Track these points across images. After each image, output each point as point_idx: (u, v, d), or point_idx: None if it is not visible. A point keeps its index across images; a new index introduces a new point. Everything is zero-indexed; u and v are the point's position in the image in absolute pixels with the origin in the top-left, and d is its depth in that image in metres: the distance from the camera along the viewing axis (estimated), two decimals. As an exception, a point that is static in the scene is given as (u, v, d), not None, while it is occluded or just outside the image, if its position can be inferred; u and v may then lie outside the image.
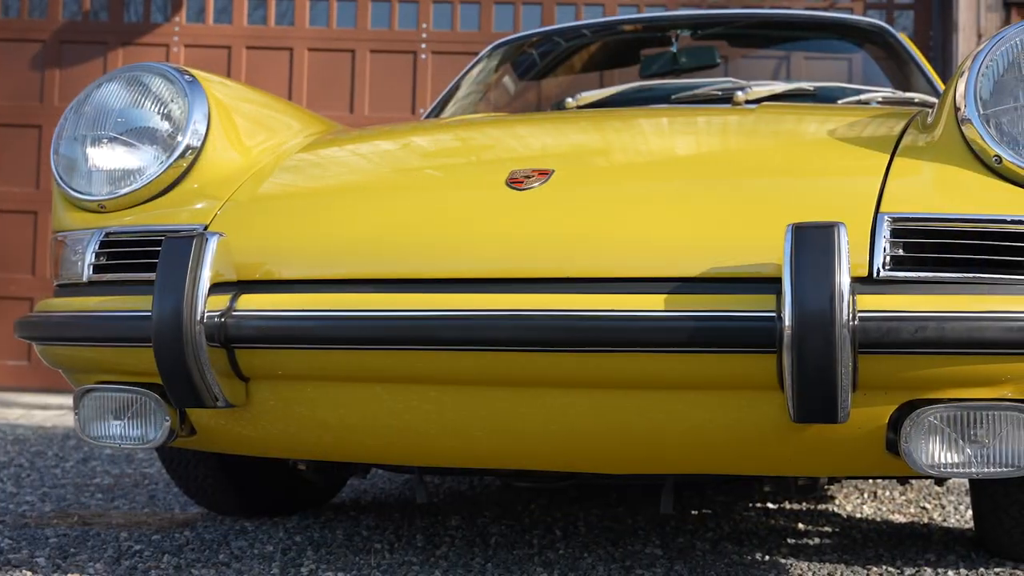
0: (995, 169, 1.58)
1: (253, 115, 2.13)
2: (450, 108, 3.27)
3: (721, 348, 1.51)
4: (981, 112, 1.61)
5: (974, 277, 1.50)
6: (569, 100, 2.81)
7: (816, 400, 1.46)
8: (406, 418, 1.71)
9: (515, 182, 1.74)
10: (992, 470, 1.52)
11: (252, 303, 1.67)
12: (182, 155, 1.90)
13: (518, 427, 1.67)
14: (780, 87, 2.74)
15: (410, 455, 1.87)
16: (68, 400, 5.13)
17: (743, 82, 2.72)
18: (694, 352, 1.52)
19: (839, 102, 2.65)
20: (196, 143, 1.92)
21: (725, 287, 1.54)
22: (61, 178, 1.95)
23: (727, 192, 1.71)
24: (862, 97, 2.66)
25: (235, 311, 1.66)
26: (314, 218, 1.81)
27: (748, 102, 2.58)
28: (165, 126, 1.92)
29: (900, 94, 2.72)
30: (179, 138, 1.91)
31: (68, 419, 4.77)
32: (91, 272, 1.86)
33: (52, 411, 5.16)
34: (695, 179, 1.78)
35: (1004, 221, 1.53)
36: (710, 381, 1.57)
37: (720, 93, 2.68)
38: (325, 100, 6.11)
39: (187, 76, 1.97)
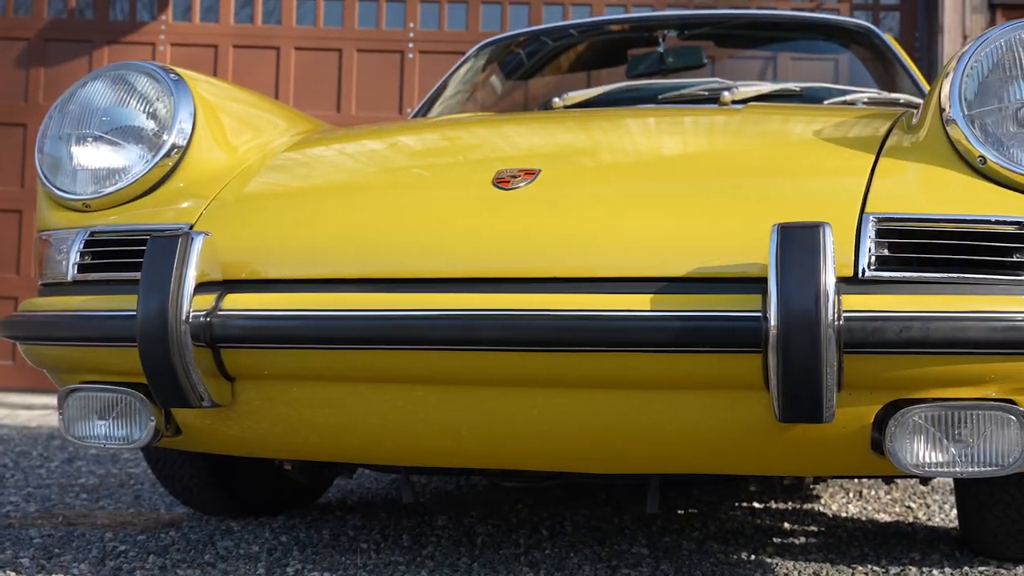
0: (979, 170, 1.59)
1: (239, 114, 2.12)
2: (437, 107, 3.27)
3: (707, 348, 1.51)
4: (966, 113, 1.61)
5: (958, 277, 1.50)
6: (556, 100, 2.82)
7: (801, 400, 1.45)
8: (392, 418, 1.71)
9: (502, 182, 1.74)
10: (976, 469, 1.53)
11: (238, 303, 1.66)
12: (167, 154, 1.89)
13: (505, 427, 1.67)
14: (766, 87, 2.74)
15: (397, 455, 1.87)
16: (53, 400, 5.10)
17: (730, 82, 2.72)
18: (680, 352, 1.52)
19: (825, 102, 2.65)
20: (182, 142, 1.91)
21: (711, 287, 1.54)
22: (46, 177, 1.93)
23: (713, 192, 1.71)
24: (848, 98, 2.67)
25: (221, 311, 1.65)
26: (300, 217, 1.80)
27: (735, 102, 2.58)
28: (151, 125, 1.92)
29: (886, 95, 2.73)
30: (165, 137, 1.90)
31: (53, 419, 4.75)
32: (76, 271, 1.85)
33: (37, 411, 5.14)
34: (681, 179, 1.78)
35: (988, 221, 1.53)
36: (696, 381, 1.57)
37: (707, 93, 2.68)
38: (312, 99, 6.10)
39: (173, 75, 1.96)
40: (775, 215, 1.55)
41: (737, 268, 1.54)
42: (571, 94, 2.84)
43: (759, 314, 1.47)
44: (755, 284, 1.51)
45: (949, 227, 1.53)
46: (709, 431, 1.61)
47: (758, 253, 1.52)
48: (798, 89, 2.77)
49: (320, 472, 2.57)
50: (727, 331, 1.49)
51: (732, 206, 1.65)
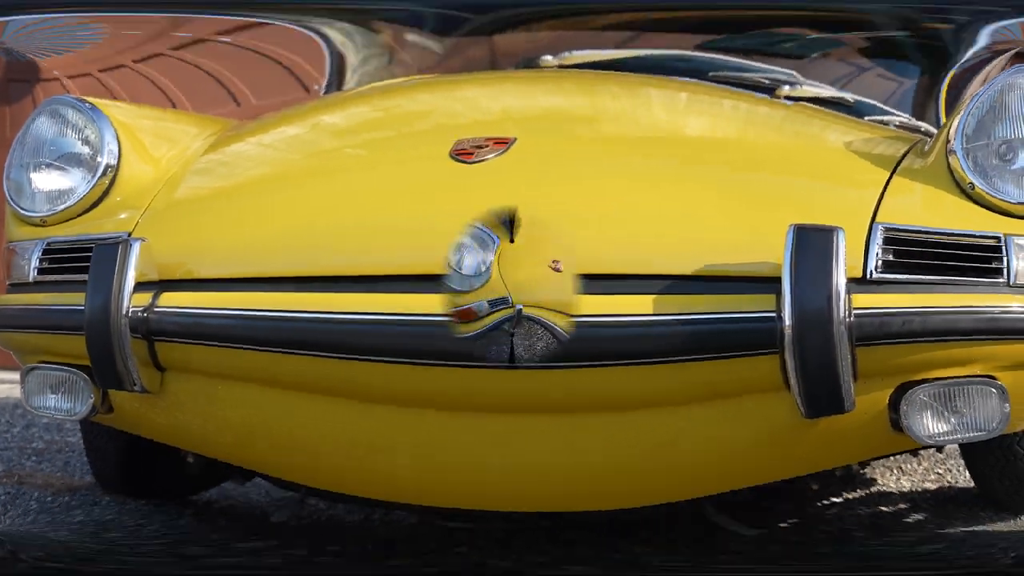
0: (969, 194, 1.73)
1: (153, 129, 2.23)
2: (352, 78, 3.09)
3: (724, 354, 1.52)
4: (964, 146, 1.75)
5: (950, 280, 1.64)
6: (547, 58, 2.55)
7: (823, 394, 1.52)
8: (305, 431, 1.72)
9: (462, 153, 1.63)
10: (972, 435, 1.70)
11: (171, 300, 1.76)
12: (103, 174, 2.04)
13: (455, 461, 1.62)
14: (826, 92, 2.64)
15: (303, 471, 1.89)
16: (17, 376, 5.13)
17: (798, 77, 2.63)
18: (694, 360, 1.52)
19: (865, 118, 2.58)
20: (113, 162, 2.04)
21: (718, 286, 1.54)
22: (11, 198, 2.11)
23: (730, 184, 1.71)
24: (884, 118, 2.62)
25: (156, 307, 1.76)
26: (226, 216, 1.87)
27: (787, 98, 2.46)
28: (86, 150, 2.08)
29: (914, 122, 2.74)
30: (99, 159, 2.04)
31: (17, 391, 4.82)
32: (36, 274, 2.03)
33: (5, 385, 5.25)
34: (697, 165, 1.76)
35: (974, 236, 1.69)
36: (712, 391, 1.57)
37: (767, 82, 2.54)
38: (205, 100, 5.77)
39: (88, 104, 2.13)
40: (791, 216, 1.57)
41: (749, 267, 1.56)
42: (574, 53, 2.58)
43: (774, 314, 1.50)
44: (764, 284, 1.53)
45: (943, 239, 1.68)
46: (733, 442, 1.63)
47: (772, 252, 1.53)
48: (851, 100, 2.69)
49: (216, 471, 2.53)
50: (745, 333, 1.51)
51: (748, 201, 1.66)
